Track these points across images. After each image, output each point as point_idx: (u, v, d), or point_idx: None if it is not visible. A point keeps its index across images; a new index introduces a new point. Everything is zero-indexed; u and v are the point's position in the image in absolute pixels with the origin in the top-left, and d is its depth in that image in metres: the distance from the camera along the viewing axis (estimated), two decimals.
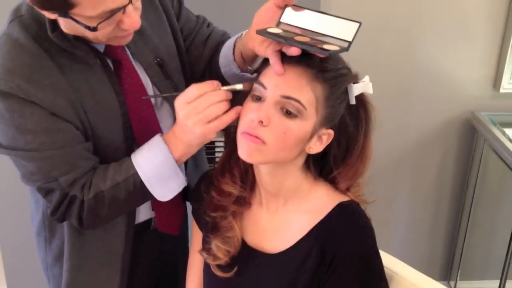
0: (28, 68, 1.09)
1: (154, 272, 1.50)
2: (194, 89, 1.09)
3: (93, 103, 1.17)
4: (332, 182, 1.17)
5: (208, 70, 1.37)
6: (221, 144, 2.04)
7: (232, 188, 1.17)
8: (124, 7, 1.03)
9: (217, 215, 1.19)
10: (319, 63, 1.03)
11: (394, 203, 2.52)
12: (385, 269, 1.15)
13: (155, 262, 1.49)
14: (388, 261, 1.31)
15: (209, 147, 2.06)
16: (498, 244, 2.48)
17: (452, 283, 2.63)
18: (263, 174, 1.14)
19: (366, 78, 1.10)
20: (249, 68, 1.25)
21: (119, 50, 1.22)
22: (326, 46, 1.00)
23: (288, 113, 1.03)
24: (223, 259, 1.18)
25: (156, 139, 1.17)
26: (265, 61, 1.09)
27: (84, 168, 1.17)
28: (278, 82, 1.03)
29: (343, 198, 1.14)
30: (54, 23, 1.10)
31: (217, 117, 1.09)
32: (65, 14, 1.01)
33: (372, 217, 1.15)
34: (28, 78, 1.09)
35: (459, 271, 2.57)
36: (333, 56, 1.03)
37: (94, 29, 1.03)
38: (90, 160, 1.19)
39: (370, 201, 1.18)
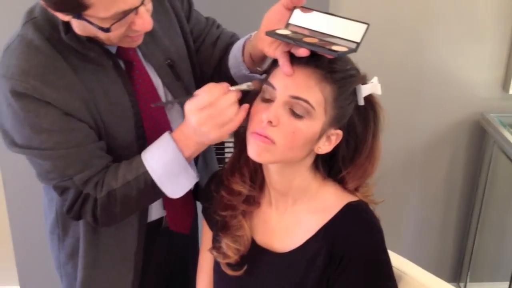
0: (43, 69, 1.11)
1: (165, 270, 1.52)
2: (205, 95, 1.09)
3: (106, 103, 1.19)
4: (341, 182, 1.17)
5: (218, 71, 1.38)
6: (231, 144, 2.05)
7: (241, 188, 1.18)
8: (136, 8, 1.05)
9: (227, 214, 1.20)
10: (328, 64, 1.04)
11: (404, 204, 2.52)
12: (394, 269, 1.15)
13: (165, 261, 1.50)
14: (397, 261, 1.32)
15: (219, 147, 2.08)
16: (509, 246, 2.48)
17: (462, 284, 2.62)
18: (272, 173, 1.15)
19: (375, 79, 1.10)
20: (258, 69, 1.25)
21: (131, 51, 1.24)
22: (334, 47, 1.00)
23: (297, 114, 1.03)
24: (233, 257, 1.19)
25: (165, 137, 1.18)
26: (274, 62, 1.10)
27: (98, 166, 1.18)
28: (287, 83, 1.04)
29: (351, 198, 1.15)
30: (67, 25, 1.11)
31: (230, 120, 1.10)
32: (78, 15, 1.03)
33: (381, 217, 1.15)
34: (42, 78, 1.10)
35: (469, 272, 2.56)
36: (341, 57, 1.03)
37: (107, 30, 1.05)
38: (104, 159, 1.20)
39: (378, 201, 1.19)
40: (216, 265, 1.26)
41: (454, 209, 2.54)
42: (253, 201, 1.21)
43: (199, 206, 1.41)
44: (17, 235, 2.23)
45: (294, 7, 1.09)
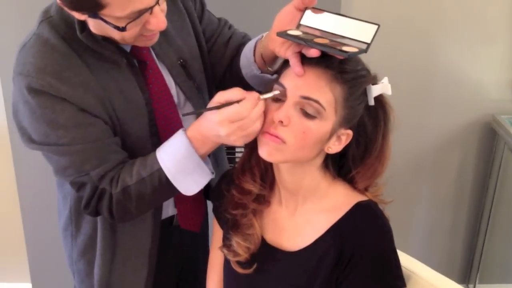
0: (59, 66, 1.12)
1: (175, 268, 1.53)
2: (241, 110, 1.06)
3: (121, 100, 1.20)
4: (351, 182, 1.18)
5: (229, 71, 1.40)
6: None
7: (252, 186, 1.19)
8: (152, 7, 1.06)
9: (238, 213, 1.21)
10: (338, 64, 1.04)
11: (414, 205, 2.52)
12: (402, 268, 1.16)
13: (176, 259, 1.51)
14: (406, 260, 1.32)
15: (230, 147, 2.09)
16: None
17: (471, 286, 2.61)
18: (282, 173, 1.16)
19: (385, 80, 1.11)
20: (269, 69, 1.26)
21: (144, 51, 1.25)
22: (345, 48, 1.01)
23: (307, 114, 1.04)
24: (243, 255, 1.20)
25: (179, 134, 1.18)
26: (285, 63, 1.11)
27: (114, 161, 1.20)
28: (298, 83, 1.05)
29: (361, 197, 1.16)
30: (83, 24, 1.13)
31: (257, 129, 1.08)
32: (94, 15, 1.04)
33: (391, 217, 1.15)
34: (58, 76, 1.12)
35: (478, 274, 2.55)
36: (352, 58, 1.04)
37: (123, 29, 1.06)
38: (120, 154, 1.21)
39: (388, 201, 1.19)
40: (226, 263, 1.27)
41: (464, 210, 2.54)
42: (263, 200, 1.22)
43: (209, 205, 1.42)
44: (29, 232, 2.24)
45: (306, 8, 1.10)
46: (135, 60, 1.24)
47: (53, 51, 1.13)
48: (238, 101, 1.06)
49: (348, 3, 2.12)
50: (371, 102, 1.09)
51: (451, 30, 2.21)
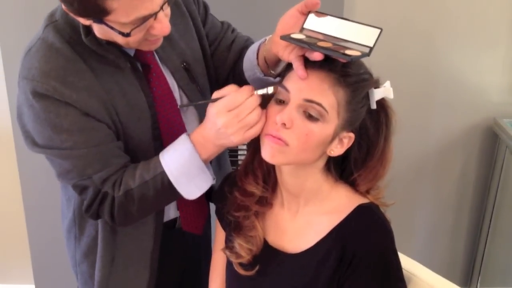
0: (63, 71, 1.13)
1: (178, 270, 1.53)
2: (236, 97, 1.09)
3: (124, 104, 1.21)
4: (352, 184, 1.18)
5: (232, 74, 1.40)
6: (244, 147, 2.07)
7: (254, 189, 1.20)
8: (156, 13, 1.06)
9: (240, 215, 1.22)
10: (341, 68, 1.05)
11: (415, 208, 2.52)
12: (403, 270, 1.16)
13: (178, 261, 1.51)
14: (407, 263, 1.33)
15: (232, 150, 2.09)
16: None
17: None
18: (285, 175, 1.17)
19: (387, 83, 1.11)
20: (272, 72, 1.27)
21: (148, 54, 1.26)
22: (348, 52, 1.02)
23: (310, 116, 1.05)
24: (246, 257, 1.21)
25: (182, 139, 1.19)
26: (289, 66, 1.12)
27: (116, 165, 1.20)
28: (301, 86, 1.06)
29: (362, 200, 1.16)
30: (88, 28, 1.14)
31: (254, 123, 1.10)
32: (100, 20, 1.05)
33: (392, 220, 1.16)
34: (63, 80, 1.13)
35: (480, 277, 2.55)
36: (355, 61, 1.05)
37: (127, 35, 1.07)
38: (122, 158, 1.22)
39: (389, 203, 1.19)
40: (229, 265, 1.27)
41: (466, 213, 2.54)
42: (265, 202, 1.22)
43: (212, 207, 1.42)
44: (33, 234, 2.25)
45: (309, 12, 1.11)
46: (138, 63, 1.25)
47: (58, 55, 1.14)
48: None
49: (350, 6, 2.13)
50: (373, 106, 1.10)
51: (453, 33, 2.21)
